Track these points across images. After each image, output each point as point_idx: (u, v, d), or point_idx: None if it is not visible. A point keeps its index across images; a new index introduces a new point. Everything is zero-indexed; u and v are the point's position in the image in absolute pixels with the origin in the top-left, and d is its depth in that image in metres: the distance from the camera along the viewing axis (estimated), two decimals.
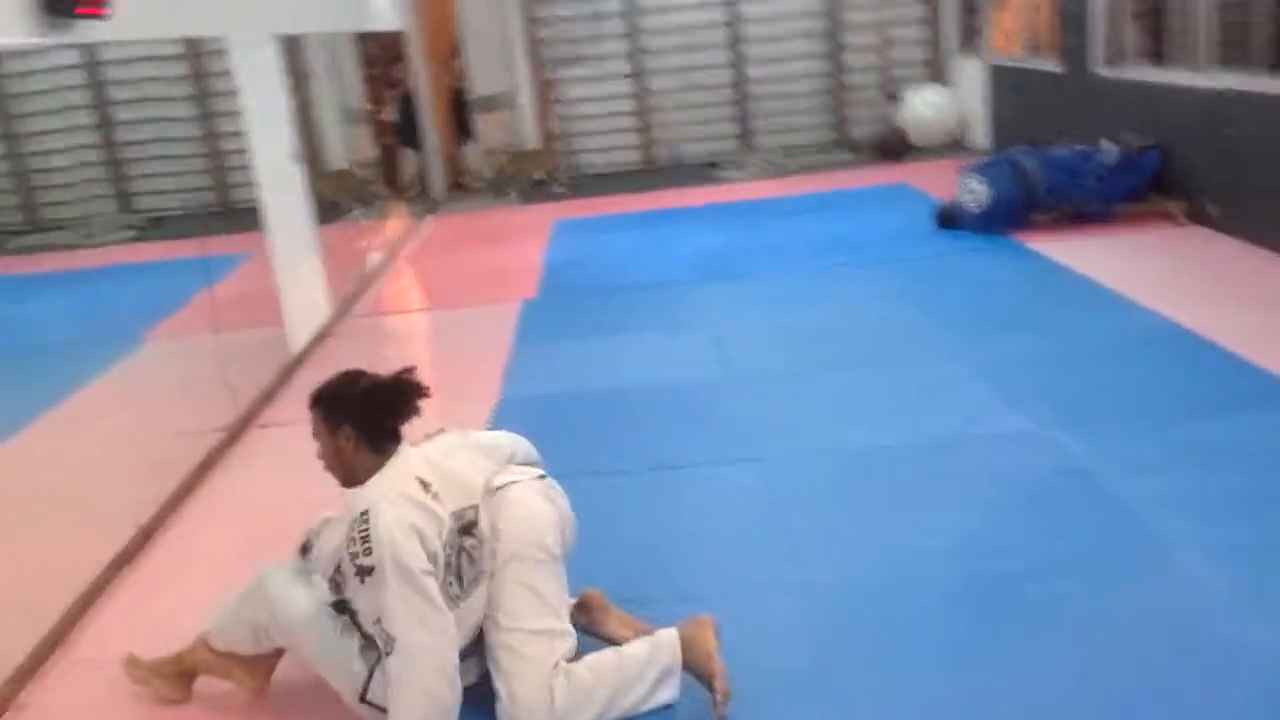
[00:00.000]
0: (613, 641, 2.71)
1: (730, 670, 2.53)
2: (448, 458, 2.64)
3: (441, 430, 2.78)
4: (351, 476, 2.59)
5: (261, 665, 2.77)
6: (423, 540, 2.41)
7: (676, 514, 3.62)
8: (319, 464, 4.19)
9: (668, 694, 2.56)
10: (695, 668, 2.56)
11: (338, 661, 2.57)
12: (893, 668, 2.69)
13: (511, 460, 2.78)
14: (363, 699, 2.53)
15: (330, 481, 2.65)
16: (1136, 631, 2.72)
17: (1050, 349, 4.81)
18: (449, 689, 2.37)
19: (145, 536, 3.76)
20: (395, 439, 2.60)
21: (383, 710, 2.46)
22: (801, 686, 2.65)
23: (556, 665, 2.49)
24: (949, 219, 7.18)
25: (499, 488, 2.66)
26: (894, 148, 10.19)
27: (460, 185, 11.32)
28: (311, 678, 2.69)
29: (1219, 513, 3.24)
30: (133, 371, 4.55)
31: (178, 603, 3.34)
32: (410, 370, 2.66)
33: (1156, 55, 7.09)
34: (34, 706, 2.86)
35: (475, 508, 2.57)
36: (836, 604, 2.99)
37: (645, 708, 2.55)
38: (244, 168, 5.73)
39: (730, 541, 3.39)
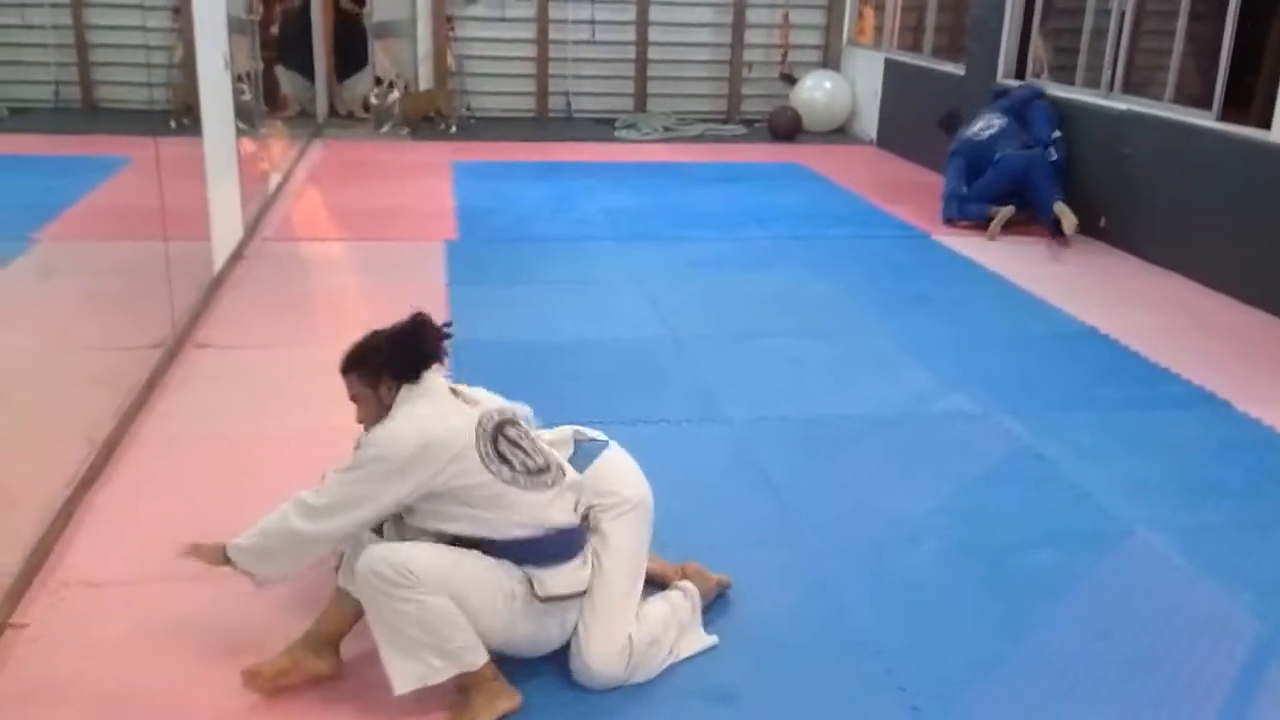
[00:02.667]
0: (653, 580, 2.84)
1: (734, 623, 2.79)
2: (473, 391, 2.72)
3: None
4: None
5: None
6: (439, 448, 2.46)
7: (658, 470, 3.70)
8: (266, 388, 4.14)
9: (707, 638, 2.74)
10: (707, 600, 2.82)
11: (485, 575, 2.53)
12: (901, 616, 2.89)
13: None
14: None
15: (280, 408, 2.71)
16: (1115, 599, 3.01)
17: (971, 335, 5.15)
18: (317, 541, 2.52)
19: (106, 455, 3.56)
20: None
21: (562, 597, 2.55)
22: (809, 637, 2.80)
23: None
24: (952, 123, 7.53)
25: (589, 440, 2.82)
26: (787, 128, 10.47)
27: (339, 112, 10.92)
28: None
29: (1166, 496, 3.60)
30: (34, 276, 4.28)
31: (152, 523, 3.21)
32: (419, 314, 2.68)
33: (1060, 71, 7.59)
34: (35, 625, 2.71)
35: (512, 415, 2.65)
36: (835, 559, 3.17)
37: (687, 653, 2.69)
38: (117, 64, 5.44)
39: (718, 499, 3.51)
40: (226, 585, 2.90)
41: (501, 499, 2.48)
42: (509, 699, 2.48)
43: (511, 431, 2.59)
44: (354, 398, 2.65)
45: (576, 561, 2.60)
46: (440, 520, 2.51)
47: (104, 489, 3.42)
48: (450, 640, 2.40)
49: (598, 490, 2.71)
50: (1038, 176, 6.90)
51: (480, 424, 2.54)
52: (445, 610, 2.39)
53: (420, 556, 2.43)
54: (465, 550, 2.50)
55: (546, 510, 2.54)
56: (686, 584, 2.81)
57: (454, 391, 2.65)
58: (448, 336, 2.66)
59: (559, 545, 2.56)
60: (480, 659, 2.44)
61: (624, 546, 2.67)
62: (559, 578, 2.54)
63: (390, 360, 2.60)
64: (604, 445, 2.84)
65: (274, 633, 2.68)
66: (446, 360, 2.72)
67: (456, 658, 2.41)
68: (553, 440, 2.80)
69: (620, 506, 2.71)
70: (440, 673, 2.41)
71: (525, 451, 2.57)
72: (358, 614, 2.58)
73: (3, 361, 3.61)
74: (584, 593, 2.59)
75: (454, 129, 10.24)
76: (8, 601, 2.73)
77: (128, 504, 3.34)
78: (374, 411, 2.61)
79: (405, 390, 2.58)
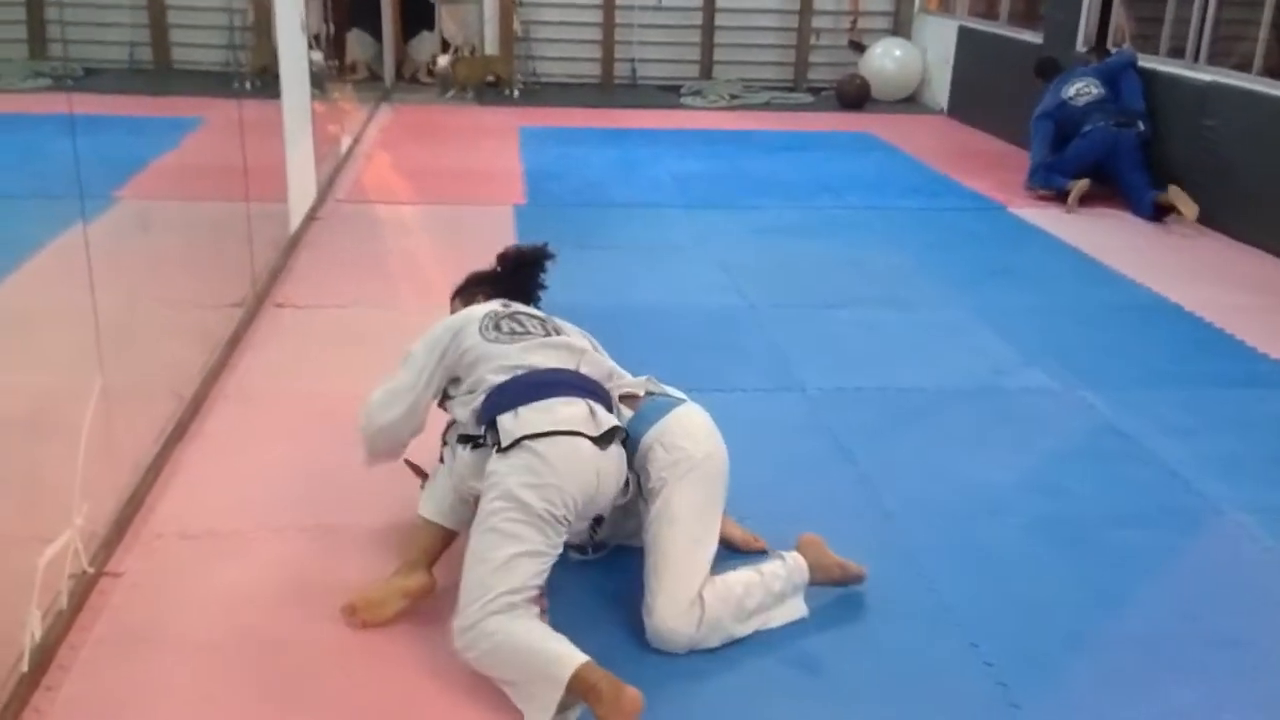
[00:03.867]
0: (727, 544, 2.81)
1: (818, 592, 2.74)
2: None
3: None
4: None
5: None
6: (456, 325, 2.72)
7: (735, 439, 3.68)
8: (342, 347, 4.30)
9: (799, 609, 2.69)
10: (828, 578, 2.73)
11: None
12: (985, 590, 2.85)
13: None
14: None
15: (360, 366, 2.98)
16: (1202, 579, 2.96)
17: (1050, 308, 5.06)
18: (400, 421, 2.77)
19: (193, 411, 3.63)
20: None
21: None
22: (894, 608, 2.78)
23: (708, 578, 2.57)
24: (1049, 69, 7.37)
25: (662, 394, 2.81)
26: (855, 96, 10.32)
27: (405, 77, 10.95)
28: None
29: (1255, 475, 3.52)
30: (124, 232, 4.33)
31: (239, 477, 3.29)
32: (540, 249, 3.02)
33: (1143, 41, 7.39)
34: (130, 573, 2.78)
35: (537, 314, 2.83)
36: (917, 530, 3.14)
37: (776, 623, 2.65)
38: (191, 27, 5.52)
39: (795, 469, 3.48)
40: (316, 534, 2.97)
41: (484, 356, 2.62)
42: (631, 702, 2.24)
43: (521, 315, 2.75)
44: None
45: (573, 402, 2.52)
46: (458, 402, 2.67)
47: (191, 444, 3.49)
48: (531, 665, 2.30)
49: (665, 446, 2.65)
50: (1125, 156, 6.68)
51: (495, 309, 2.75)
52: (510, 636, 2.31)
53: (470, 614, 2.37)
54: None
55: (524, 355, 2.62)
56: (794, 555, 2.72)
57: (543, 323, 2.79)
58: (543, 286, 2.99)
59: (538, 385, 2.54)
60: (569, 665, 2.27)
61: (685, 503, 2.59)
62: (536, 417, 2.46)
63: (490, 281, 2.93)
64: (678, 402, 2.80)
65: (366, 576, 2.72)
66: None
67: (552, 677, 2.26)
68: (628, 386, 2.82)
69: (682, 464, 2.62)
70: (550, 699, 2.26)
71: (521, 324, 2.71)
72: (446, 540, 2.68)
73: (91, 317, 3.68)
74: (592, 436, 2.49)
75: (515, 94, 10.22)
76: (103, 550, 2.80)
77: (215, 458, 3.41)
78: None
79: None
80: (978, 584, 2.89)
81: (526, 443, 2.44)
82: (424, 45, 11.00)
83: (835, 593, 2.79)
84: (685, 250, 5.76)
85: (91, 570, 2.71)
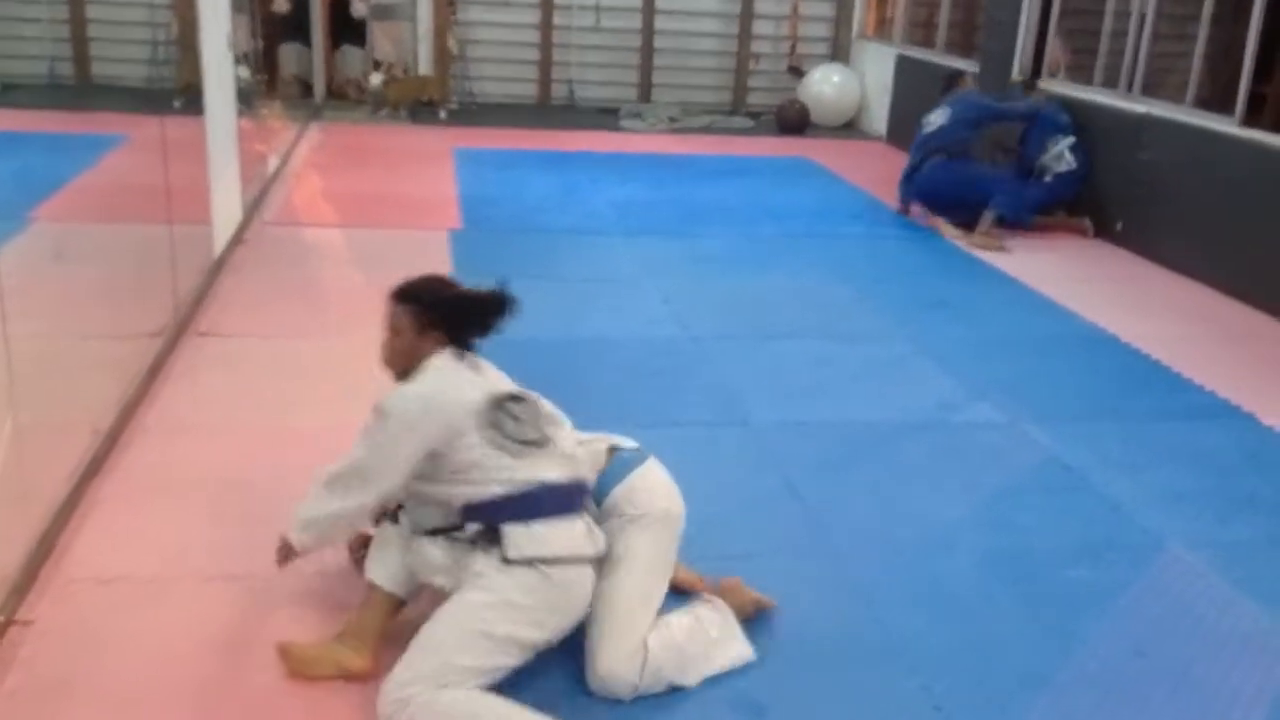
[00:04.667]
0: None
1: (765, 632, 2.69)
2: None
3: None
4: (409, 375, 2.59)
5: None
6: (441, 409, 2.46)
7: (681, 476, 3.58)
8: (268, 379, 4.02)
9: (745, 652, 2.63)
10: (744, 616, 2.70)
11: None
12: (935, 628, 2.81)
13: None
14: None
15: (288, 399, 2.60)
16: (1151, 616, 2.93)
17: (991, 339, 5.05)
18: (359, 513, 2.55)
19: (109, 446, 3.43)
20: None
21: None
22: (841, 647, 2.72)
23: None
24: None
25: (621, 447, 2.77)
26: (795, 121, 10.35)
27: (336, 94, 10.73)
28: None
29: (1198, 509, 3.52)
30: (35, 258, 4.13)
31: (158, 517, 3.12)
32: (504, 287, 2.65)
33: (1078, 72, 7.50)
34: (41, 621, 2.60)
35: (521, 394, 2.61)
36: (865, 568, 3.08)
37: (723, 667, 2.59)
38: (113, 41, 5.33)
39: (743, 505, 3.40)
40: (236, 582, 2.81)
41: (485, 462, 2.44)
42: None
43: (515, 406, 2.54)
44: (393, 328, 2.59)
45: (574, 521, 2.50)
46: (433, 484, 2.48)
47: (107, 481, 3.30)
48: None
49: (629, 501, 2.64)
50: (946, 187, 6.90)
51: (490, 395, 2.51)
52: (468, 701, 2.29)
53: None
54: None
55: (532, 470, 2.47)
56: (715, 598, 2.72)
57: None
58: (513, 315, 2.64)
59: (546, 500, 2.47)
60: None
61: (641, 554, 2.59)
62: (549, 536, 2.44)
63: (451, 317, 2.57)
64: (641, 459, 2.75)
65: (294, 628, 2.59)
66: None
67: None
68: (586, 448, 2.70)
69: (645, 518, 2.63)
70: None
71: (522, 423, 2.53)
72: (396, 610, 2.53)
73: (3, 349, 3.47)
74: (592, 558, 2.50)
75: (443, 115, 10.03)
76: (14, 597, 2.62)
77: (133, 497, 3.23)
78: (403, 351, 2.58)
79: (443, 354, 2.55)
80: (929, 622, 2.84)
81: (541, 566, 2.40)
82: (352, 59, 10.80)
83: (784, 632, 2.74)
84: (626, 279, 5.67)
85: (1, 618, 2.54)
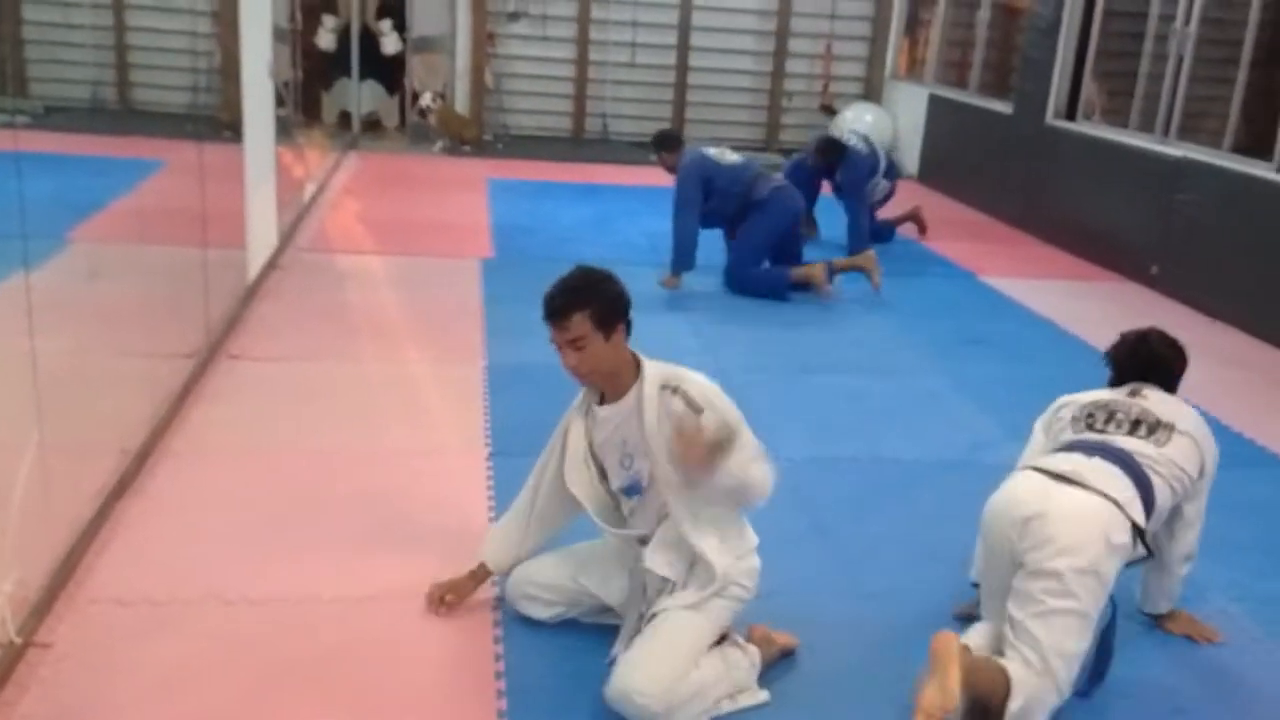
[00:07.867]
0: None
1: (790, 677, 2.69)
2: None
3: None
4: (618, 375, 2.65)
5: None
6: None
7: None
8: (299, 403, 3.97)
9: (760, 694, 2.62)
10: (771, 660, 2.70)
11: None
12: None
13: None
14: None
15: (318, 423, 2.56)
16: (1192, 672, 2.86)
17: (1026, 380, 4.97)
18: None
19: (137, 467, 3.43)
20: None
21: None
22: (871, 696, 2.66)
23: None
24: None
25: None
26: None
27: (370, 124, 10.84)
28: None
29: (1241, 561, 3.43)
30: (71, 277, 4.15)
31: (184, 539, 3.10)
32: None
33: (1113, 115, 7.45)
34: (60, 644, 2.58)
35: None
36: (897, 611, 3.02)
37: (740, 706, 2.58)
38: (155, 68, 5.40)
39: (773, 542, 3.31)
40: (260, 606, 2.79)
41: None
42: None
43: None
44: (575, 341, 2.51)
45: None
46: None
47: (134, 502, 3.29)
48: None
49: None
50: None
51: None
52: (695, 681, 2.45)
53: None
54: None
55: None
56: (749, 645, 2.68)
57: None
58: None
59: None
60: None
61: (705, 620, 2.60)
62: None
63: (622, 309, 2.61)
64: None
65: (322, 654, 2.56)
66: None
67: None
68: None
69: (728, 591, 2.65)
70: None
71: None
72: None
73: (33, 365, 3.49)
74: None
75: (468, 149, 10.07)
76: (33, 619, 2.60)
77: (159, 519, 3.21)
78: (604, 358, 2.56)
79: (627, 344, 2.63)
80: None
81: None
82: (376, 93, 10.90)
83: (809, 676, 2.70)
84: (657, 311, 5.65)
85: (19, 640, 2.50)
